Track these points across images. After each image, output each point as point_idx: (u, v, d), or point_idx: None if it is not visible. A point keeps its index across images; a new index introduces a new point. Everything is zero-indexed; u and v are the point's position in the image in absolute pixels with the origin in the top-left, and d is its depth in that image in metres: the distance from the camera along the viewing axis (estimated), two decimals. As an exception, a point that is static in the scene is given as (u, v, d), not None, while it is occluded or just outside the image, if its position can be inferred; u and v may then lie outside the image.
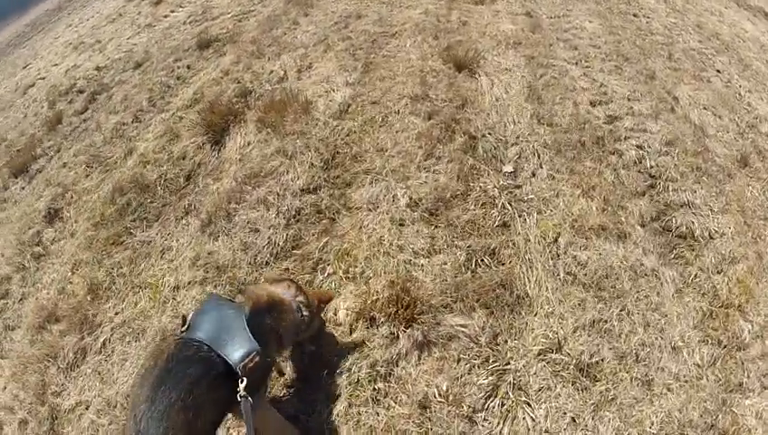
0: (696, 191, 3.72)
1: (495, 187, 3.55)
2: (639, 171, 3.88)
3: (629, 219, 3.47)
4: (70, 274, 3.75)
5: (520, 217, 3.40)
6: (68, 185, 4.70)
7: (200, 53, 6.20)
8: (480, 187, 3.54)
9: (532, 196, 3.55)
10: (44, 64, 9.46)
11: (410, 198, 3.43)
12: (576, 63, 5.28)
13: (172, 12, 8.57)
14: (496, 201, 3.45)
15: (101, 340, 3.16)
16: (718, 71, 5.89)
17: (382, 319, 2.74)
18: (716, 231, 3.45)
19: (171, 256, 3.52)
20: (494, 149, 3.87)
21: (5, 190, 5.37)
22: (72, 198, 4.52)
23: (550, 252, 3.20)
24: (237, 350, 1.82)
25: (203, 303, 2.15)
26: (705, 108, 4.90)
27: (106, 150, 4.94)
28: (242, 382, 1.77)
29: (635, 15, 7.20)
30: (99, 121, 5.55)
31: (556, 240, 3.27)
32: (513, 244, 3.22)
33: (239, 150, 4.11)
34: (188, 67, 5.95)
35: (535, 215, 3.42)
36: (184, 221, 3.74)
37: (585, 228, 3.35)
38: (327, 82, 4.75)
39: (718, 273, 3.20)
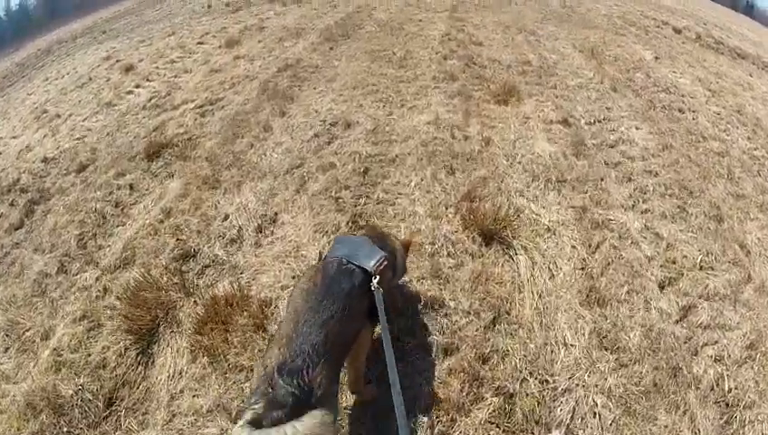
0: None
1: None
2: (716, 402, 2.74)
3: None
4: None
5: None
6: (-19, 361, 3.46)
7: (147, 165, 4.97)
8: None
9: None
10: (6, 133, 8.47)
11: None
12: (633, 206, 4.11)
13: (137, 87, 7.45)
14: None
15: None
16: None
17: None
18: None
19: None
20: (538, 405, 2.56)
21: None
22: (-15, 384, 3.29)
23: None
24: (370, 259, 2.28)
25: (334, 240, 2.65)
26: (775, 258, 3.89)
27: (25, 315, 3.68)
28: (375, 278, 2.21)
29: (680, 111, 6.14)
30: (23, 264, 4.31)
31: None
32: None
33: (167, 383, 2.80)
34: (131, 187, 4.71)
35: None
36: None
37: None
38: (295, 256, 3.44)
39: None
